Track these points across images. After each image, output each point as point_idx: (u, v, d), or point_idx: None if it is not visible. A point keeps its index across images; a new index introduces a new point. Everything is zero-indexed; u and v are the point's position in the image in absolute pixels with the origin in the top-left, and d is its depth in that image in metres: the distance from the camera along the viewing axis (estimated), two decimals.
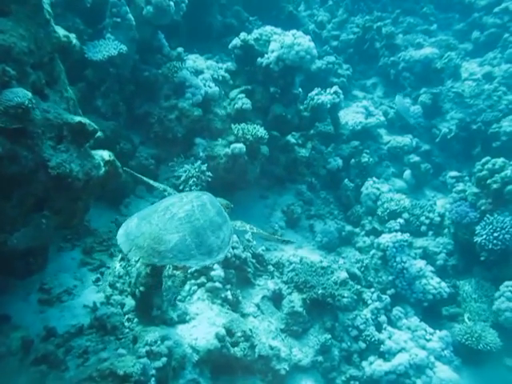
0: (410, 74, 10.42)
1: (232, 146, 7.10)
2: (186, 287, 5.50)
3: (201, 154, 7.09)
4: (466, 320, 6.32)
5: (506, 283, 6.29)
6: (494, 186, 6.78)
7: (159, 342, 4.02)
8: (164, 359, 3.90)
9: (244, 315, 5.69)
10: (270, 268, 6.53)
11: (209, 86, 7.43)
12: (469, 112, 9.55)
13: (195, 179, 6.55)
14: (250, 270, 6.16)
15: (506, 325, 6.14)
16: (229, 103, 7.83)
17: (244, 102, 7.59)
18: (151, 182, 4.96)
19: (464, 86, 9.95)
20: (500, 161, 6.91)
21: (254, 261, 6.36)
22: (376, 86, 10.93)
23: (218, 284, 5.54)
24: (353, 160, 8.67)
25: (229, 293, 5.59)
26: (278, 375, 5.25)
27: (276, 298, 6.04)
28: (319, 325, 5.93)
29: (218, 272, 5.63)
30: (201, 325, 5.01)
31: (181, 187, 6.55)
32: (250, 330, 5.21)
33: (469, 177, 7.71)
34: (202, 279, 5.59)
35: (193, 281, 5.57)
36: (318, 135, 8.91)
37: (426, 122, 9.81)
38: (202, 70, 7.70)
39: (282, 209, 7.91)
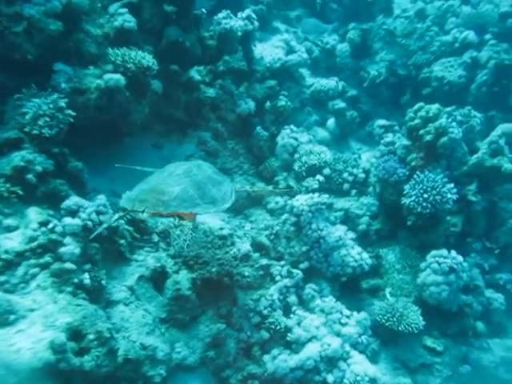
0: (338, 5, 8.96)
1: (106, 76, 5.32)
2: (20, 271, 3.88)
3: (63, 85, 5.20)
4: (388, 296, 5.40)
5: (433, 253, 5.38)
6: (427, 137, 5.72)
7: None
8: None
9: (111, 303, 4.26)
10: (155, 238, 5.08)
11: None
12: (400, 53, 8.44)
13: (48, 119, 4.75)
14: (123, 241, 4.66)
15: (430, 301, 5.28)
16: (107, 21, 5.91)
17: (126, 19, 5.71)
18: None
19: (396, 23, 8.75)
20: (434, 107, 5.82)
21: (131, 228, 4.86)
22: (300, 19, 9.37)
23: (69, 264, 4.00)
24: (268, 103, 7.23)
25: (86, 275, 4.08)
26: (151, 383, 3.96)
27: (158, 278, 4.63)
28: (213, 311, 4.63)
29: (69, 248, 4.06)
30: (32, 328, 3.48)
31: (27, 129, 4.72)
32: (109, 329, 3.78)
33: (399, 126, 6.63)
34: (47, 258, 4.00)
35: (32, 261, 3.96)
36: (230, 72, 7.32)
37: (354, 63, 8.53)
38: None
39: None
